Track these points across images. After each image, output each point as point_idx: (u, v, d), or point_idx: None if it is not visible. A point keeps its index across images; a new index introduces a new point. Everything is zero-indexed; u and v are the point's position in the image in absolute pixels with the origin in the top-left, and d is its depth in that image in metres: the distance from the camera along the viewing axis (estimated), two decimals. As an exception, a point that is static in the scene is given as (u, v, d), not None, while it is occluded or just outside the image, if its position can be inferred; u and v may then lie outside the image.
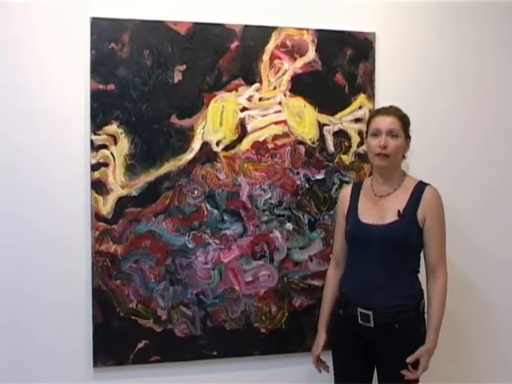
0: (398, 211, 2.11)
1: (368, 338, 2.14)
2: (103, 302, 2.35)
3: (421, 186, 2.17)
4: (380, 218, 2.14)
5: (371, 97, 2.54)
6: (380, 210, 2.16)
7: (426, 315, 2.15)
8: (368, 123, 2.21)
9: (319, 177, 2.52)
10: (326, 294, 2.35)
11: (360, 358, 2.19)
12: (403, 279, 2.13)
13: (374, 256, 2.11)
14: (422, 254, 2.20)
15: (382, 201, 2.18)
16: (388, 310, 2.09)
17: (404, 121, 2.15)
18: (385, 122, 2.11)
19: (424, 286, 2.18)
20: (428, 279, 2.17)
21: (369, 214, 2.17)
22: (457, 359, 2.71)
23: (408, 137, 2.18)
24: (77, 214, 2.35)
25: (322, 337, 2.31)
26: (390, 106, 2.20)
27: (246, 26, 2.41)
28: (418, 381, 2.12)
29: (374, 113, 2.22)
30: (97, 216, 2.33)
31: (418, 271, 2.19)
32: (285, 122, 2.47)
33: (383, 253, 2.09)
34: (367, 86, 2.54)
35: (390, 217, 2.12)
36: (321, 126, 2.50)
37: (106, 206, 2.33)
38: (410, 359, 2.06)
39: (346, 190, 2.31)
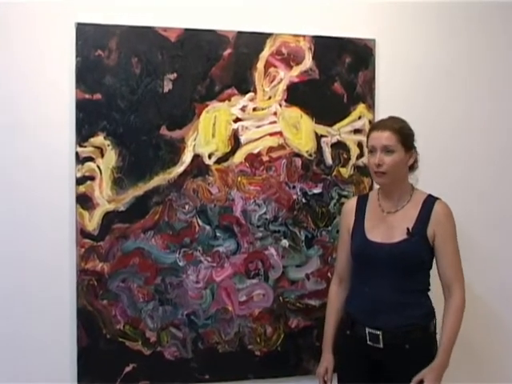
0: (407, 229, 2.08)
1: (377, 359, 2.10)
2: (89, 323, 2.30)
3: (430, 201, 2.13)
4: (388, 236, 2.10)
5: (371, 106, 2.50)
6: (388, 227, 2.12)
7: (438, 335, 2.11)
8: (367, 138, 2.18)
9: (316, 191, 2.48)
10: (329, 313, 2.30)
11: (368, 379, 2.15)
12: (413, 298, 2.10)
13: (383, 275, 2.08)
14: (432, 272, 2.16)
15: (389, 217, 2.14)
16: (398, 329, 2.06)
17: (402, 133, 2.08)
18: (379, 139, 2.07)
19: (435, 305, 2.16)
20: (445, 297, 2.12)
21: (376, 232, 2.13)
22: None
23: (410, 149, 2.12)
24: (61, 230, 2.30)
25: (327, 359, 2.25)
26: (389, 118, 2.15)
27: (239, 33, 2.38)
28: None
29: (371, 127, 2.18)
30: (82, 232, 2.28)
31: (429, 289, 2.15)
32: (280, 133, 2.44)
33: (392, 271, 2.07)
34: (367, 95, 2.50)
35: (399, 235, 2.08)
36: (318, 137, 2.47)
37: (92, 222, 2.29)
38: (414, 380, 2.01)
39: (351, 204, 2.27)
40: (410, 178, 2.18)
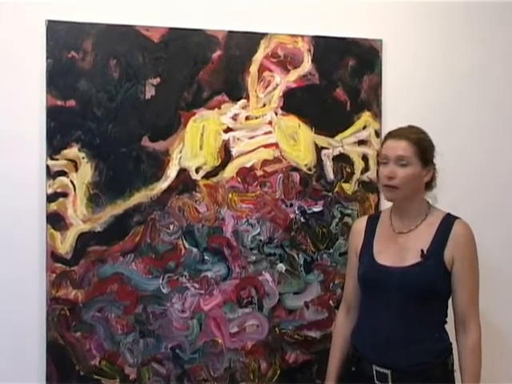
0: (421, 251, 1.99)
1: None
2: (60, 358, 2.22)
3: (448, 221, 2.04)
4: (400, 259, 2.02)
5: (377, 115, 2.44)
6: (400, 249, 2.04)
7: (455, 374, 2.03)
8: (381, 148, 2.11)
9: (316, 209, 2.41)
10: (334, 345, 2.22)
11: None
12: (427, 332, 2.00)
13: (393, 304, 1.99)
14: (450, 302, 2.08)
15: (402, 238, 2.06)
16: (409, 368, 1.96)
17: (420, 145, 2.02)
18: (394, 148, 2.01)
19: (452, 340, 2.06)
20: (457, 332, 2.03)
21: (386, 254, 2.05)
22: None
23: (428, 164, 2.05)
24: (29, 254, 2.23)
25: None
26: (408, 127, 2.08)
27: (230, 33, 2.32)
28: None
29: (386, 136, 2.10)
30: (53, 256, 2.21)
31: (445, 322, 2.06)
32: (276, 144, 2.37)
33: (403, 300, 1.98)
34: (373, 103, 2.43)
35: (412, 258, 2.00)
36: (318, 149, 2.40)
37: (65, 244, 2.22)
38: None
39: (360, 224, 2.20)
40: (426, 195, 2.12)
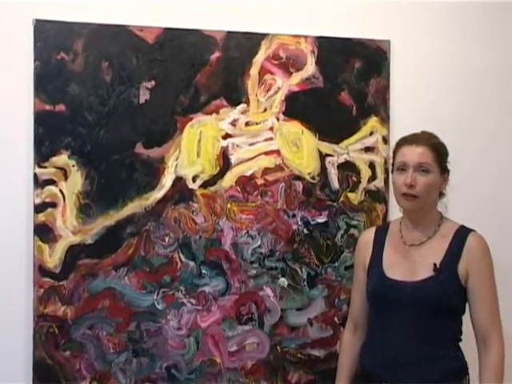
0: (434, 265, 1.97)
1: None
2: (47, 379, 2.19)
3: (463, 233, 2.02)
4: (411, 273, 2.00)
5: (385, 120, 2.41)
6: (411, 262, 2.02)
7: None
8: (393, 154, 2.10)
9: (320, 220, 2.38)
10: (341, 367, 2.20)
11: None
12: (441, 350, 1.98)
13: (404, 321, 1.98)
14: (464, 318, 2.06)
15: (413, 251, 2.04)
16: None
17: (439, 151, 2.01)
18: (413, 154, 1.99)
19: (468, 358, 2.03)
20: (479, 350, 2.00)
21: (397, 268, 2.03)
22: None
23: (445, 171, 2.06)
24: (15, 267, 2.19)
25: None
26: (423, 132, 2.06)
27: (229, 33, 2.30)
28: None
29: (401, 141, 2.08)
30: (41, 270, 2.18)
31: (460, 339, 2.04)
32: (277, 152, 2.35)
33: (415, 316, 1.96)
34: (380, 107, 2.41)
35: (424, 272, 1.98)
36: (322, 156, 2.38)
37: (54, 258, 2.19)
38: None
39: (368, 236, 2.19)
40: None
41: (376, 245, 2.13)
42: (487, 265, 1.99)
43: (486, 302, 1.97)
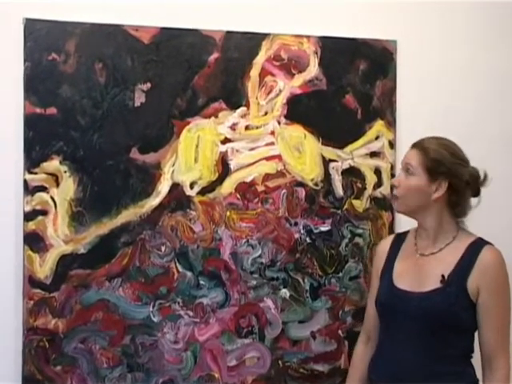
0: (442, 276, 1.93)
1: None
2: None
3: (477, 246, 1.97)
4: (419, 283, 1.97)
5: (391, 124, 2.38)
6: (420, 272, 1.99)
7: None
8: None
9: (324, 228, 2.35)
10: (351, 378, 2.17)
11: None
12: (450, 366, 1.93)
13: (412, 334, 1.94)
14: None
15: (423, 261, 2.01)
16: None
17: (429, 156, 1.97)
18: (405, 156, 2.04)
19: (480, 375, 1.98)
20: (484, 371, 1.94)
21: (406, 278, 2.01)
22: None
23: (436, 179, 1.98)
24: (4, 278, 2.16)
25: None
26: (433, 137, 2.04)
27: (228, 33, 2.27)
28: None
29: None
30: (31, 280, 2.15)
31: (471, 356, 1.99)
32: (279, 157, 2.33)
33: (422, 329, 1.93)
34: (386, 110, 2.38)
35: (431, 283, 1.94)
36: (326, 162, 2.35)
37: (44, 268, 2.16)
38: None
39: (385, 244, 2.18)
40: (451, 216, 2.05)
41: (391, 253, 2.11)
42: (500, 281, 1.93)
43: (495, 322, 1.92)
